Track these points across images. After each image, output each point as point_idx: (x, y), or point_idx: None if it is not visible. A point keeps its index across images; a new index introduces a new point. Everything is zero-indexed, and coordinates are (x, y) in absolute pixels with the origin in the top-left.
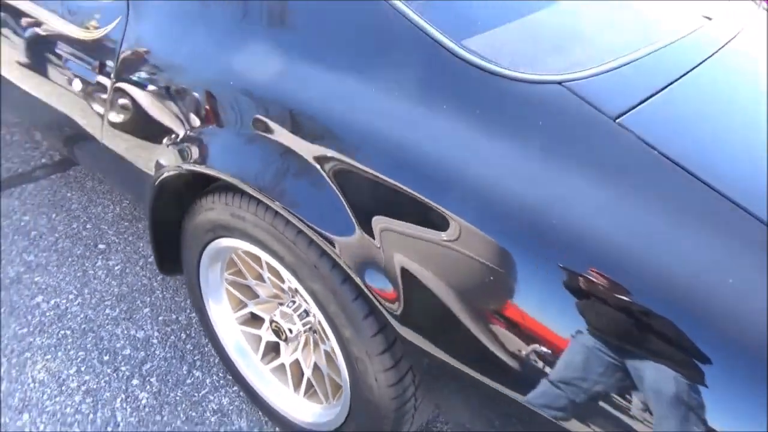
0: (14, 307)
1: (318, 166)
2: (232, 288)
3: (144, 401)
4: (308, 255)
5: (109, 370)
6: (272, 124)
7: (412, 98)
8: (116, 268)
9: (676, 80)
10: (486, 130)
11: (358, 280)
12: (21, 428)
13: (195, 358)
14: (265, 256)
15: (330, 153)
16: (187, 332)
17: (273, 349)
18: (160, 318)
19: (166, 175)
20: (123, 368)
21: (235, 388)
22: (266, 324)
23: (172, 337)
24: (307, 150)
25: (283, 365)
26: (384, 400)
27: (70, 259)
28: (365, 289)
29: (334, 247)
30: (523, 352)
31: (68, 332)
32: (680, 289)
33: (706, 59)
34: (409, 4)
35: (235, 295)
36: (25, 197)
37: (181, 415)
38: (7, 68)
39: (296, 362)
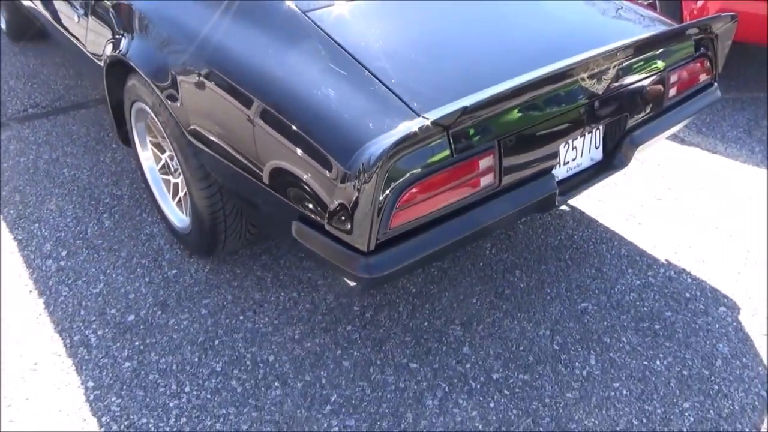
0: None
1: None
2: (153, 147)
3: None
4: (162, 113)
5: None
6: (150, 29)
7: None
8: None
9: None
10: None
11: (170, 110)
12: None
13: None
14: (150, 114)
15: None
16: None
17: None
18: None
19: (107, 61)
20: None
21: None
22: (162, 162)
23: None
24: (162, 42)
25: (170, 183)
26: (205, 214)
27: None
28: (173, 114)
29: (160, 91)
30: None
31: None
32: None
33: None
34: None
35: (155, 151)
36: None
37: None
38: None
39: (176, 186)
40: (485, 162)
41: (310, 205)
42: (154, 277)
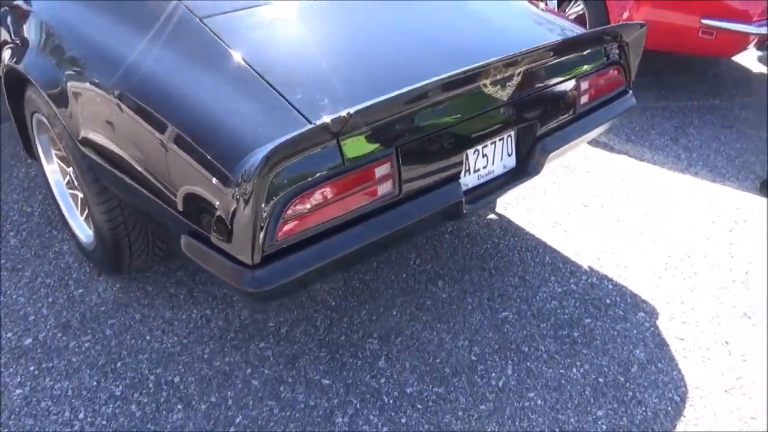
0: None
1: (56, 63)
2: (58, 160)
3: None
4: (57, 125)
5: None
6: (41, 36)
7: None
8: None
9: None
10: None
11: (63, 121)
12: None
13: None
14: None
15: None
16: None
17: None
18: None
19: (4, 69)
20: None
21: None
22: (68, 178)
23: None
24: (52, 50)
25: (78, 198)
26: (105, 229)
27: None
28: (62, 121)
29: (51, 101)
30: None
31: None
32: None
33: None
34: None
35: (61, 164)
36: None
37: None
38: None
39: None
40: (382, 170)
41: (198, 217)
42: (58, 297)
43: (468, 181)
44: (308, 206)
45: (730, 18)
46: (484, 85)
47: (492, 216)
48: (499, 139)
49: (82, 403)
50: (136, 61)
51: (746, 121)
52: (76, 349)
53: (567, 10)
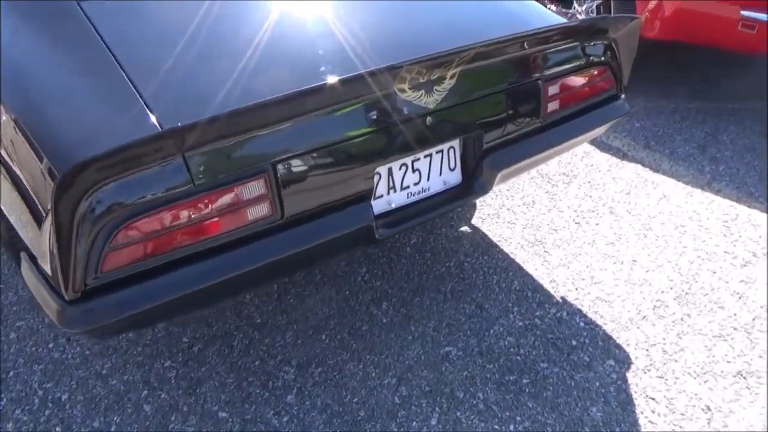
0: None
1: None
2: None
3: None
4: None
5: None
6: None
7: None
8: None
9: None
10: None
11: None
12: None
13: None
14: None
15: None
16: None
17: None
18: None
19: None
20: None
21: None
22: None
23: None
24: None
25: None
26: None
27: None
28: None
29: None
30: None
31: None
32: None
33: None
34: None
35: None
36: None
37: None
38: None
39: None
40: (252, 190)
41: (27, 233)
42: None
43: (393, 199)
44: (146, 233)
45: None
46: (401, 90)
47: (465, 228)
48: (437, 152)
49: None
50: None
51: None
52: None
53: None
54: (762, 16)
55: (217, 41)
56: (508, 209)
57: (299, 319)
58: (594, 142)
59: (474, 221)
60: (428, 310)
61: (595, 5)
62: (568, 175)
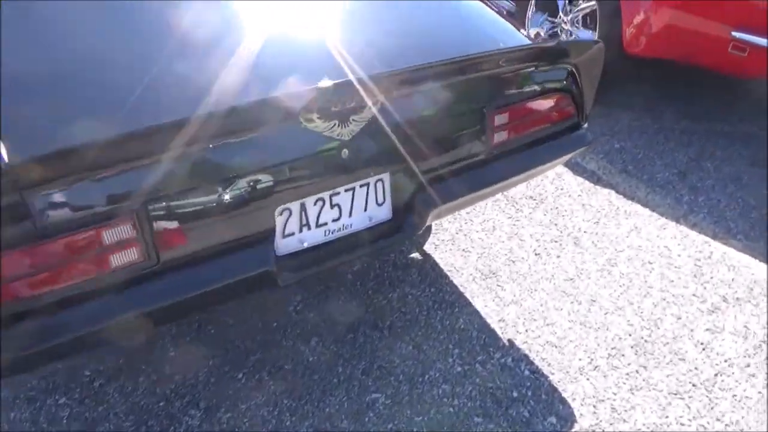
0: None
1: None
2: None
3: None
4: None
5: None
6: None
7: None
8: None
9: None
10: None
11: None
12: None
13: None
14: None
15: None
16: None
17: None
18: None
19: None
20: None
21: None
22: None
23: None
24: None
25: None
26: None
27: None
28: None
29: None
30: None
31: None
32: None
33: None
34: None
35: None
36: None
37: None
38: None
39: None
40: (116, 233)
41: None
42: None
43: (306, 237)
44: None
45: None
46: (307, 120)
47: (416, 255)
48: (361, 185)
49: None
50: None
51: None
52: None
53: (580, 2)
54: (755, 39)
55: (92, 55)
56: (465, 235)
57: (218, 353)
58: (567, 164)
59: (427, 247)
60: (360, 349)
61: (581, 16)
62: (535, 199)
